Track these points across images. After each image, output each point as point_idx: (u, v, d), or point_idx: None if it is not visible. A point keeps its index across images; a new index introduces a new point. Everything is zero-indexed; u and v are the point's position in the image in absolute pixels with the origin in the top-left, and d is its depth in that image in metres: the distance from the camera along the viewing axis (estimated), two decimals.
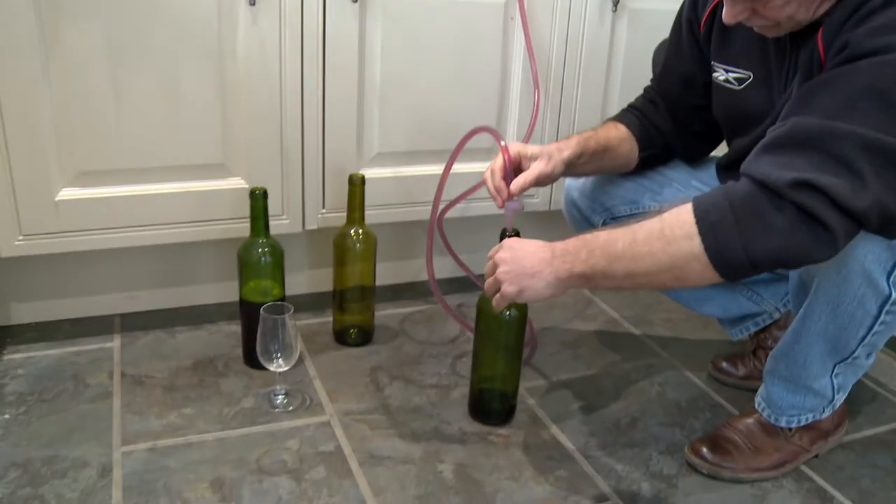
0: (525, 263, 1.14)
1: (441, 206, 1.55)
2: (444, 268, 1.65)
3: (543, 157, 1.31)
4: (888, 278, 1.12)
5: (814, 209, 0.96)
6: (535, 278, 1.13)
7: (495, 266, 1.18)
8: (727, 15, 1.11)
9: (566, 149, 1.34)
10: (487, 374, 1.40)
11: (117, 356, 1.54)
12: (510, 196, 1.28)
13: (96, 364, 1.51)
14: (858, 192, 0.96)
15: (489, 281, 1.19)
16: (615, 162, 1.44)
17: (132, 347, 1.57)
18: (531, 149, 1.32)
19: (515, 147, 1.31)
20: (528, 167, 1.30)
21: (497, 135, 1.35)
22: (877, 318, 1.16)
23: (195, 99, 1.48)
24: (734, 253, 1.00)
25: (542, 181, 1.31)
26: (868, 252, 1.10)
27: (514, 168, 1.30)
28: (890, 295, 1.13)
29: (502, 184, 1.29)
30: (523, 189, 1.28)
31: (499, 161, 1.30)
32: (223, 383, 1.47)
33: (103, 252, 1.55)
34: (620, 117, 1.47)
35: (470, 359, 1.46)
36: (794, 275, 1.24)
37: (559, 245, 1.14)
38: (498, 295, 1.17)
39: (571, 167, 1.36)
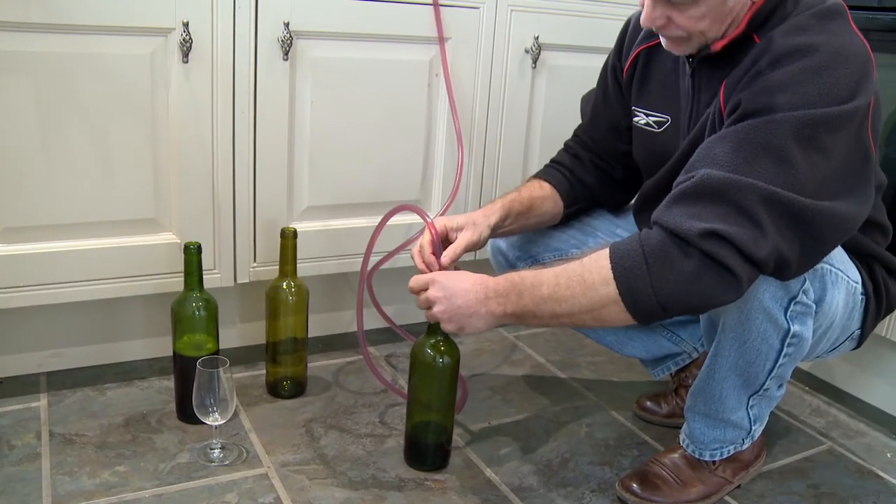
0: (460, 303, 1.21)
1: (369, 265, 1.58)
2: (375, 318, 1.67)
3: (469, 226, 1.37)
4: (785, 314, 1.21)
5: (721, 257, 1.04)
6: (473, 317, 1.21)
7: (429, 302, 1.24)
8: (645, 18, 1.18)
9: (491, 214, 1.41)
10: (422, 420, 1.42)
11: (44, 416, 1.50)
12: (442, 268, 1.33)
13: (21, 425, 1.47)
14: (759, 241, 1.05)
15: (427, 314, 1.25)
16: (540, 220, 1.51)
17: (60, 406, 1.54)
18: (456, 220, 1.38)
19: (441, 221, 1.37)
20: (455, 238, 1.37)
21: (421, 212, 1.39)
22: (780, 351, 1.24)
23: (127, 154, 1.48)
24: (646, 298, 1.08)
25: (471, 249, 1.37)
26: (765, 291, 1.18)
27: (442, 240, 1.36)
28: (789, 329, 1.22)
29: (432, 258, 1.33)
30: (453, 260, 1.34)
31: (426, 237, 1.35)
32: (157, 439, 1.45)
33: (28, 308, 1.53)
34: (544, 174, 1.53)
35: (403, 407, 1.48)
36: (703, 315, 1.31)
37: (491, 285, 1.20)
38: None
39: (497, 230, 1.42)
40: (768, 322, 1.21)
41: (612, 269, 1.10)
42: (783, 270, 1.11)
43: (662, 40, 1.24)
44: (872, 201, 1.19)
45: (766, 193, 1.05)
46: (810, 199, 1.07)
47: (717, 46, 1.20)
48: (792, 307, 1.21)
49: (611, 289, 1.10)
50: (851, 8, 1.19)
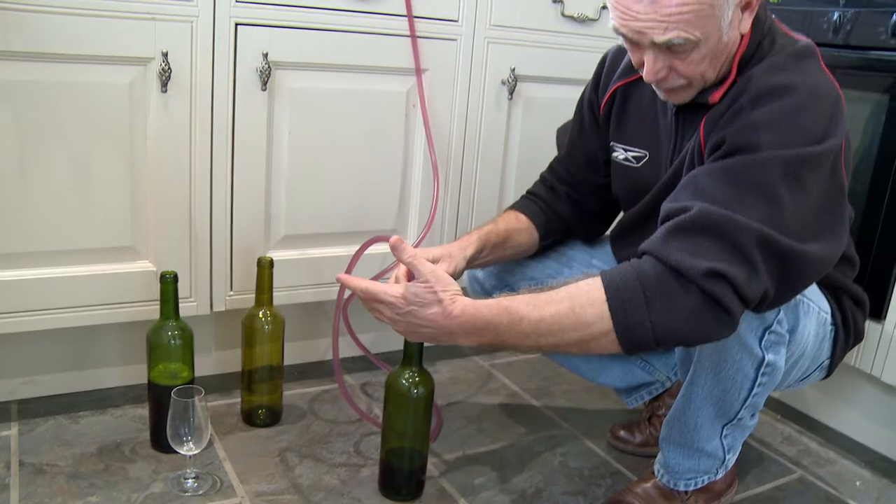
0: (424, 332, 1.16)
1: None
2: (352, 346, 1.68)
3: (445, 258, 1.37)
4: (760, 343, 1.23)
5: (721, 296, 1.05)
6: (448, 339, 1.16)
7: (388, 319, 1.18)
8: (648, 73, 1.19)
9: (468, 246, 1.41)
10: (396, 450, 1.42)
11: (14, 445, 1.49)
12: None
13: None
14: (753, 281, 1.07)
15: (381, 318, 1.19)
16: (515, 251, 1.52)
17: (31, 435, 1.52)
18: (432, 251, 1.37)
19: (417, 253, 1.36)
20: None
21: None
22: (755, 380, 1.26)
23: (104, 182, 1.48)
24: (642, 332, 1.07)
25: None
26: (741, 321, 1.17)
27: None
28: (764, 358, 1.24)
29: None
30: None
31: (402, 269, 1.32)
32: (131, 468, 1.44)
33: (1, 335, 1.51)
34: (521, 207, 1.55)
35: (378, 436, 1.48)
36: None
37: (456, 322, 1.13)
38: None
39: (472, 262, 1.42)
40: (743, 351, 1.22)
41: (608, 301, 1.08)
42: (761, 306, 1.13)
43: (661, 92, 1.26)
44: (846, 239, 1.22)
45: (760, 234, 1.07)
46: (797, 243, 1.09)
47: (716, 98, 1.21)
48: (766, 336, 1.23)
49: (605, 322, 1.08)
50: (818, 44, 1.23)
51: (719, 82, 1.22)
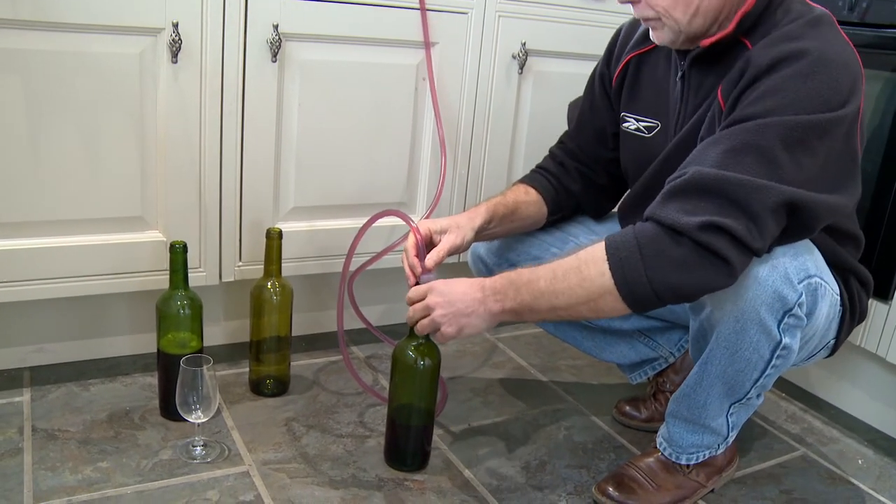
0: (459, 305, 1.24)
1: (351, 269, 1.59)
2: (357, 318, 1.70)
3: (453, 229, 1.39)
4: (779, 326, 1.22)
5: (715, 246, 1.09)
6: (472, 317, 1.24)
7: (428, 309, 1.26)
8: None
9: (476, 217, 1.43)
10: (402, 421, 1.44)
11: (27, 411, 1.51)
12: (426, 270, 1.34)
13: (4, 419, 1.47)
14: (754, 232, 1.11)
15: (424, 322, 1.28)
16: (523, 223, 1.53)
17: (43, 401, 1.55)
18: (440, 223, 1.40)
19: (425, 224, 1.39)
20: (439, 241, 1.38)
21: (405, 217, 1.41)
22: (769, 362, 1.26)
23: (115, 153, 1.49)
24: (641, 287, 1.13)
25: (454, 251, 1.39)
26: (763, 303, 1.20)
27: (426, 243, 1.38)
28: (781, 341, 1.24)
29: (416, 261, 1.35)
30: (438, 263, 1.36)
31: (411, 240, 1.37)
32: (140, 435, 1.46)
33: (12, 303, 1.53)
34: (531, 180, 1.56)
35: (384, 407, 1.50)
36: (694, 324, 1.32)
37: (488, 283, 1.25)
38: (438, 334, 1.27)
39: (481, 233, 1.44)
40: (762, 333, 1.22)
41: (608, 259, 1.15)
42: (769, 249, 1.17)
43: (644, 28, 1.30)
44: (858, 196, 1.25)
45: (756, 185, 1.09)
46: (800, 188, 1.12)
47: (705, 43, 1.24)
48: (786, 320, 1.22)
49: (606, 279, 1.14)
50: None
51: (713, 33, 1.24)
